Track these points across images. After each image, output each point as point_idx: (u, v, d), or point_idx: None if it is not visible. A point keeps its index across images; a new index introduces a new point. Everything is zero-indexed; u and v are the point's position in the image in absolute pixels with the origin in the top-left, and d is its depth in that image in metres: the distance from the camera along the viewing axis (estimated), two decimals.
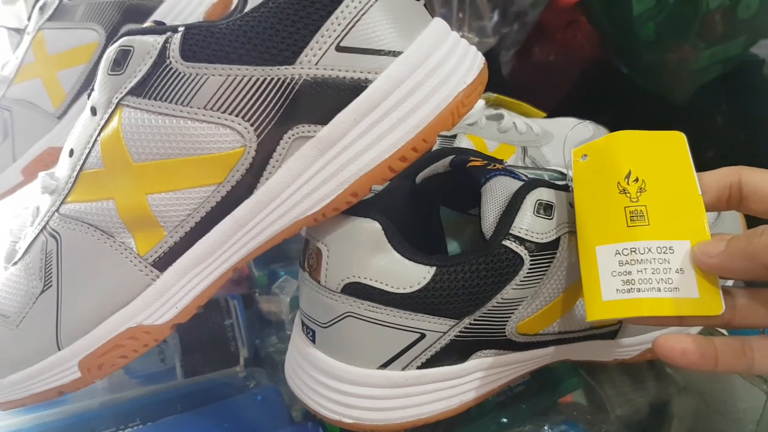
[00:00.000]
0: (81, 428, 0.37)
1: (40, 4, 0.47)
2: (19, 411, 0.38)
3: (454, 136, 0.45)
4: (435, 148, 0.42)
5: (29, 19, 0.47)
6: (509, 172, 0.32)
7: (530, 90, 0.64)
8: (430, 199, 0.37)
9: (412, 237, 0.31)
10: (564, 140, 0.48)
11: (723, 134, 0.57)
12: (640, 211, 0.28)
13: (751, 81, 0.55)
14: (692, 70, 0.54)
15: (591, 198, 0.29)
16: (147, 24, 0.30)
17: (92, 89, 0.28)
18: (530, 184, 0.30)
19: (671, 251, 0.27)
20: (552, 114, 0.53)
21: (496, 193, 0.30)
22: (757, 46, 0.53)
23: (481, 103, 0.47)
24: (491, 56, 0.65)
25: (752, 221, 0.30)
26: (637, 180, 0.28)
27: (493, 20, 0.64)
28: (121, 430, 0.37)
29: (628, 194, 0.28)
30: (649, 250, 0.27)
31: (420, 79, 0.27)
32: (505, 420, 0.37)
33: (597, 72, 0.68)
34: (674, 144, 0.29)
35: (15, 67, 0.47)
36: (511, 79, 0.70)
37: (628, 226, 0.27)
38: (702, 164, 0.29)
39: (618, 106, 0.64)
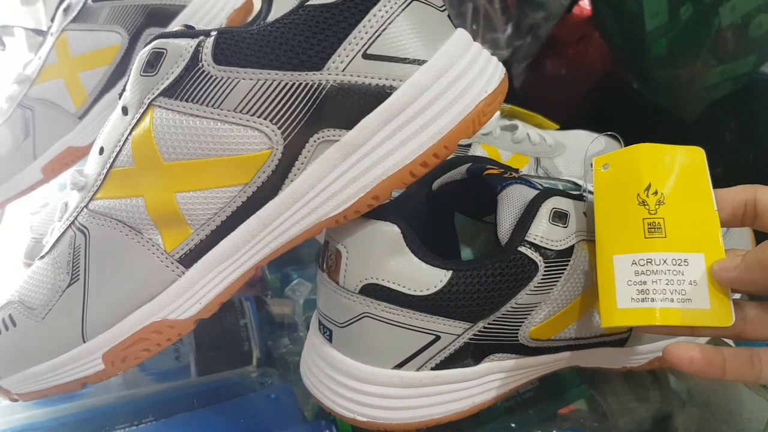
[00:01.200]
0: (96, 423, 0.38)
1: (64, 5, 0.48)
2: (36, 405, 0.39)
3: (469, 145, 0.45)
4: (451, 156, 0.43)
5: (53, 20, 0.48)
6: (525, 181, 0.32)
7: (542, 102, 0.65)
8: (446, 206, 0.38)
9: (428, 242, 0.32)
10: (579, 151, 0.49)
11: (732, 151, 0.58)
12: (658, 223, 0.29)
13: (760, 99, 0.56)
14: (703, 87, 0.55)
15: (610, 207, 0.30)
16: (176, 28, 0.31)
17: (124, 89, 0.29)
18: (546, 193, 0.31)
19: (686, 263, 0.28)
20: (563, 126, 0.53)
21: (512, 201, 0.31)
22: (767, 65, 0.53)
23: (495, 113, 0.47)
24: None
25: (760, 237, 0.31)
26: (656, 193, 0.29)
27: (506, 33, 0.65)
28: (135, 426, 0.38)
29: (647, 206, 0.29)
30: (665, 261, 0.28)
31: (443, 88, 0.27)
32: (513, 425, 0.37)
33: (608, 86, 0.69)
34: (693, 159, 0.30)
35: (38, 66, 0.48)
36: (523, 91, 0.70)
37: (645, 238, 0.28)
38: (711, 180, 0.30)
39: (628, 120, 0.64)
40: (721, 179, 0.30)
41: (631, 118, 0.65)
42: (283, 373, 0.44)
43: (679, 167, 0.30)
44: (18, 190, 0.49)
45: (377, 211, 0.30)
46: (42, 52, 0.48)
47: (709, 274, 0.27)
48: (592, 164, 0.50)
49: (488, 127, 0.46)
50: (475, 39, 0.59)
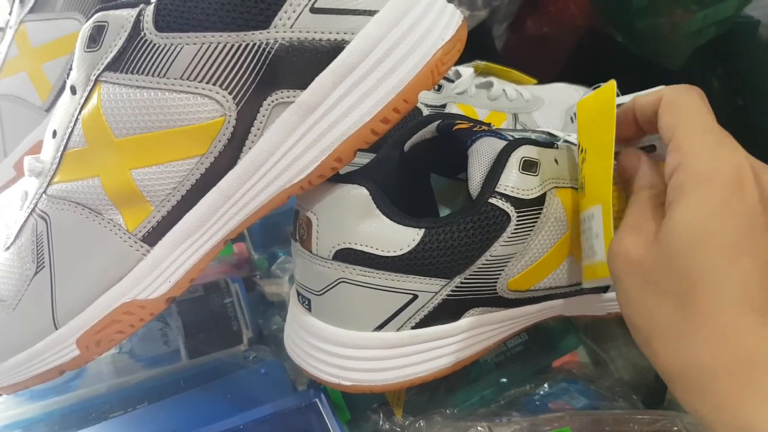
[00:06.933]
0: (90, 413, 0.38)
1: None
2: (28, 399, 0.39)
3: (444, 106, 0.44)
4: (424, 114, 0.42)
5: (10, 13, 0.47)
6: (495, 133, 0.32)
7: (525, 63, 0.63)
8: (420, 167, 0.37)
9: (405, 206, 0.31)
10: (557, 105, 0.48)
11: (720, 98, 0.56)
12: (582, 182, 0.29)
13: (746, 43, 0.55)
14: (686, 34, 0.53)
15: (583, 166, 0.30)
16: None
17: (70, 68, 0.28)
18: (515, 143, 0.30)
19: (593, 218, 0.28)
20: None
21: (482, 154, 0.30)
22: (750, 6, 0.52)
23: (469, 71, 0.46)
24: (483, 29, 0.65)
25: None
26: (583, 151, 0.29)
27: None
28: (129, 413, 0.38)
29: (581, 166, 0.29)
30: (584, 219, 0.29)
31: (397, 38, 0.26)
32: (504, 380, 0.37)
33: (592, 41, 0.67)
34: (606, 100, 0.28)
35: None
36: (506, 52, 0.69)
37: (581, 198, 0.29)
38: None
39: (614, 74, 0.63)
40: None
41: (617, 73, 0.64)
42: (276, 350, 0.44)
43: (596, 116, 0.28)
44: None
45: (346, 176, 0.30)
46: (2, 47, 0.47)
47: (605, 224, 0.27)
48: (573, 116, 0.49)
49: (463, 86, 0.45)
50: (450, 0, 0.58)
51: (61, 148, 0.28)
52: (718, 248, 0.21)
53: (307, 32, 0.26)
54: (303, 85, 0.26)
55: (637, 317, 0.23)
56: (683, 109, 0.24)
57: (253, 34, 0.25)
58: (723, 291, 0.21)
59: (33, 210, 0.29)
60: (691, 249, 0.21)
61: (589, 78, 0.53)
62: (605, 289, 0.34)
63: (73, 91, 0.28)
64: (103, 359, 0.42)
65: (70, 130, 0.28)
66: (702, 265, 0.21)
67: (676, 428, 0.34)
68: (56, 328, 0.29)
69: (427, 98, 0.43)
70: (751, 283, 0.21)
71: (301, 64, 0.26)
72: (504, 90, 0.47)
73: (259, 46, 0.26)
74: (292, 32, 0.26)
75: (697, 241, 0.21)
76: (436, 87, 0.44)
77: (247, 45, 0.26)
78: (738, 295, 0.20)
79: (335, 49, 0.26)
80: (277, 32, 0.26)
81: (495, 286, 0.30)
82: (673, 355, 0.21)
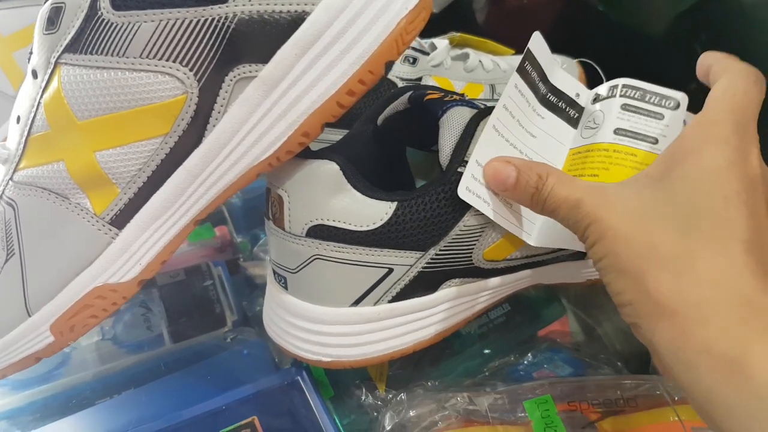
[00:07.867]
0: (76, 401, 0.38)
1: None
2: (13, 390, 0.39)
3: (420, 79, 0.44)
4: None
5: None
6: (466, 102, 0.31)
7: (507, 36, 0.63)
8: (395, 141, 0.37)
9: (381, 180, 0.31)
10: None
11: None
12: None
13: (728, 7, 0.54)
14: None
15: None
16: None
17: (31, 52, 0.28)
18: (485, 111, 0.30)
19: None
20: None
21: (452, 124, 0.30)
22: None
23: (445, 43, 0.46)
24: (465, 2, 0.64)
25: None
26: None
27: None
28: (114, 398, 0.38)
29: None
30: None
31: (360, 8, 0.26)
32: (488, 351, 0.37)
33: (574, 11, 0.67)
34: None
35: None
36: (487, 26, 0.68)
37: None
38: None
39: (598, 44, 0.63)
40: (696, 94, 0.30)
41: (601, 42, 0.64)
42: (260, 331, 0.44)
43: None
44: None
45: (317, 152, 0.29)
46: None
47: None
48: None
49: (438, 58, 0.45)
50: None
51: (25, 133, 0.28)
52: (724, 194, 0.23)
53: (267, 4, 0.25)
54: (265, 59, 0.26)
55: (628, 255, 0.23)
56: (729, 77, 0.26)
57: (211, 8, 0.25)
58: (727, 229, 0.22)
59: (1, 197, 0.29)
60: (700, 191, 0.23)
61: (571, 47, 0.53)
62: (583, 254, 0.34)
63: (35, 75, 0.27)
64: (87, 346, 0.42)
65: (32, 114, 0.27)
66: (709, 209, 0.23)
67: (658, 392, 0.34)
68: (29, 315, 0.29)
69: (402, 72, 0.43)
70: (752, 231, 0.22)
71: (262, 37, 0.26)
72: (480, 61, 0.47)
73: (218, 21, 0.25)
74: (251, 5, 0.25)
75: (705, 187, 0.23)
76: (411, 60, 0.43)
77: (206, 20, 0.25)
78: (740, 235, 0.22)
79: (296, 20, 0.26)
80: (236, 6, 0.25)
81: (470, 256, 0.30)
82: (670, 287, 0.22)
